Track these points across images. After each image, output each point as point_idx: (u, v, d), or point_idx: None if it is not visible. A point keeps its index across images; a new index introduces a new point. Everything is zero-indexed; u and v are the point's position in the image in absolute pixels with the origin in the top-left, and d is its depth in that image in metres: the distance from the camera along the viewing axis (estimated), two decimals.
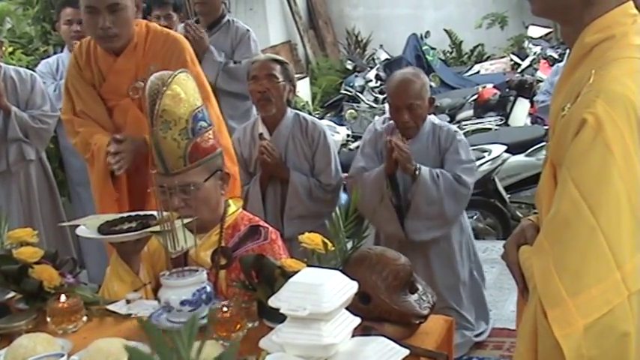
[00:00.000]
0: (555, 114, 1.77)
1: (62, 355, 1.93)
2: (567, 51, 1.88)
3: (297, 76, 4.25)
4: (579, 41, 1.73)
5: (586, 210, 1.59)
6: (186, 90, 2.39)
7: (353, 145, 7.98)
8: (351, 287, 1.82)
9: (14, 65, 5.03)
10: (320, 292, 1.72)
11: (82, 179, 5.22)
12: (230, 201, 2.62)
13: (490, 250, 5.58)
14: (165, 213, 2.24)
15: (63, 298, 2.21)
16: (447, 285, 3.93)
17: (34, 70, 4.96)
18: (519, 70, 9.53)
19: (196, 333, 0.95)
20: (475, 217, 5.90)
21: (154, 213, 2.45)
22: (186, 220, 2.27)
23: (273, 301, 1.78)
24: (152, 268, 2.52)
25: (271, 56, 4.02)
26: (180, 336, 0.93)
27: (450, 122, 7.97)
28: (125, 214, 2.50)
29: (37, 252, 2.39)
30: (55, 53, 5.63)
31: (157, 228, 2.30)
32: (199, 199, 2.42)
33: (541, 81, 8.08)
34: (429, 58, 10.31)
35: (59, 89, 5.06)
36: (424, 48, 10.40)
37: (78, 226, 2.44)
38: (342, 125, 8.09)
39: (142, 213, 2.52)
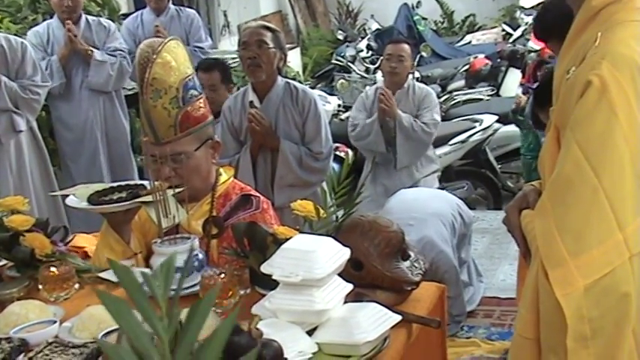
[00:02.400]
0: (560, 78, 1.77)
1: (54, 322, 1.94)
2: None
3: (287, 46, 4.21)
4: (586, 4, 1.73)
5: (589, 171, 1.59)
6: (176, 58, 2.37)
7: (344, 115, 7.95)
8: (344, 254, 1.82)
9: (3, 33, 4.97)
10: (312, 259, 1.73)
11: (73, 152, 5.23)
12: (221, 170, 2.61)
13: (481, 220, 5.59)
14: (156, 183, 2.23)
15: (54, 266, 2.21)
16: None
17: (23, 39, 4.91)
18: (511, 40, 9.48)
19: (173, 274, 0.94)
20: (466, 187, 5.91)
21: (144, 182, 2.45)
22: (177, 190, 2.26)
23: (265, 268, 1.79)
24: (143, 237, 2.51)
25: (263, 23, 3.98)
26: (155, 277, 0.91)
27: (441, 92, 8.02)
28: (115, 184, 2.49)
29: (28, 220, 2.38)
30: (44, 21, 5.57)
31: (148, 198, 2.29)
32: (190, 168, 2.41)
33: (532, 51, 8.05)
34: (421, 28, 10.26)
35: (51, 66, 5.02)
36: (415, 18, 10.34)
37: (68, 195, 2.43)
38: (333, 95, 8.05)
39: (131, 182, 2.51)
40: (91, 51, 5.12)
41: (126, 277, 0.90)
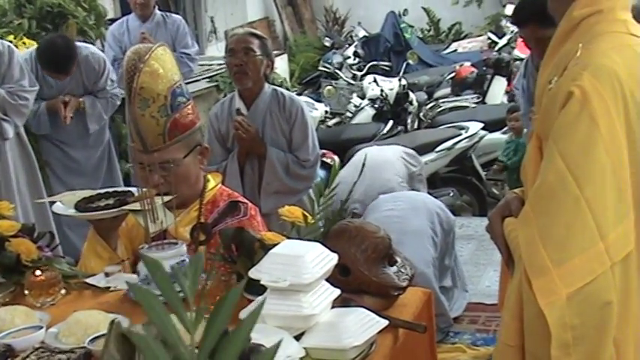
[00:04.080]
0: (542, 87, 1.79)
1: (41, 328, 1.93)
2: None
3: (274, 52, 4.22)
4: (567, 15, 1.75)
5: (571, 181, 1.61)
6: (164, 65, 2.35)
7: (331, 122, 7.98)
8: (331, 259, 1.83)
9: None
10: (300, 264, 1.74)
11: (56, 163, 5.18)
12: (209, 176, 2.61)
13: (466, 227, 5.62)
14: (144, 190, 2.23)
15: (40, 271, 2.20)
16: None
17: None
18: (496, 48, 9.55)
19: (201, 270, 0.96)
20: (451, 194, 5.94)
21: (132, 189, 2.44)
22: (166, 198, 2.26)
23: (253, 273, 1.79)
24: (130, 243, 2.51)
25: (249, 30, 3.98)
26: (184, 273, 0.93)
27: (427, 100, 8.07)
28: (102, 191, 2.48)
29: (13, 225, 2.37)
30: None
31: (135, 206, 2.28)
32: (179, 175, 2.41)
33: (518, 59, 8.11)
34: (407, 35, 10.30)
35: (39, 118, 4.93)
36: (402, 26, 10.39)
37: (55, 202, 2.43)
38: (320, 102, 8.07)
39: (119, 189, 2.50)
40: (83, 104, 5.02)
41: (156, 271, 0.92)
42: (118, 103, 5.13)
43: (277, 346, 0.93)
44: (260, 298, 1.81)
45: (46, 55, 4.78)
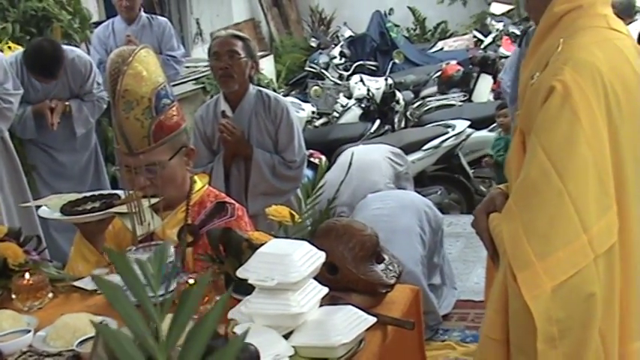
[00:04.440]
0: (524, 82, 1.80)
1: (28, 331, 1.93)
2: (530, 28, 1.93)
3: (261, 53, 4.22)
4: (548, 11, 1.77)
5: (554, 175, 1.63)
6: (147, 67, 2.35)
7: (318, 122, 7.98)
8: (319, 257, 1.83)
9: None
10: (288, 263, 1.74)
11: (42, 166, 5.17)
12: (196, 177, 2.61)
13: (454, 225, 5.64)
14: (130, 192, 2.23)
15: (28, 275, 2.19)
16: None
17: None
18: (482, 46, 9.58)
19: (165, 266, 0.96)
20: (439, 192, 5.95)
21: (118, 192, 2.44)
22: (152, 200, 2.25)
23: (241, 272, 1.80)
24: (117, 246, 2.50)
25: (232, 32, 3.98)
26: (147, 265, 0.93)
27: (414, 98, 8.08)
28: (88, 194, 2.48)
29: (0, 229, 2.36)
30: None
31: (122, 208, 2.28)
32: (165, 177, 2.40)
33: (503, 57, 8.14)
34: (393, 35, 10.32)
35: (25, 122, 4.91)
36: (388, 25, 10.41)
37: (41, 206, 2.42)
38: (306, 102, 8.08)
39: (105, 192, 2.50)
40: (70, 108, 5.01)
41: (121, 263, 0.92)
42: (105, 106, 5.11)
43: (246, 333, 0.93)
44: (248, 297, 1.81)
45: (34, 59, 4.76)
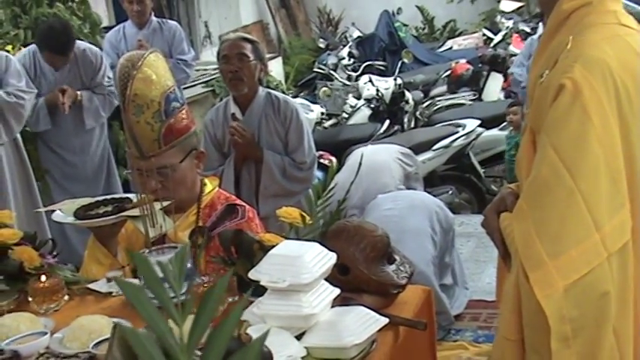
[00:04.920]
0: (534, 81, 1.80)
1: (45, 333, 1.95)
2: (539, 24, 1.93)
3: (269, 55, 4.24)
4: (557, 8, 1.76)
5: (565, 174, 1.62)
6: (157, 71, 2.37)
7: (327, 124, 7.99)
8: (330, 258, 1.85)
9: None
10: (299, 264, 1.75)
11: (56, 171, 5.20)
12: (206, 180, 2.63)
13: (466, 225, 5.63)
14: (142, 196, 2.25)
15: (44, 278, 2.22)
16: None
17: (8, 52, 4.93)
18: (492, 44, 9.55)
19: (186, 268, 0.98)
20: (450, 192, 5.95)
21: (130, 195, 2.46)
22: (164, 203, 2.27)
23: (253, 274, 1.81)
24: (130, 249, 2.52)
25: (241, 35, 3.99)
26: (169, 267, 0.95)
27: (423, 98, 8.07)
28: (101, 198, 2.50)
29: (16, 233, 2.39)
30: (25, 37, 5.56)
31: (134, 212, 2.30)
32: (176, 180, 2.42)
33: (513, 55, 8.12)
34: (402, 34, 10.29)
35: (38, 113, 4.96)
36: (396, 25, 10.38)
37: (54, 211, 2.45)
38: (315, 103, 8.07)
39: (117, 196, 2.52)
40: (81, 96, 5.06)
41: (143, 264, 0.93)
42: (116, 102, 5.15)
43: (265, 336, 0.94)
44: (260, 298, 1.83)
45: (45, 35, 4.90)
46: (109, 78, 5.21)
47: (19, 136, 4.79)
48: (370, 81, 7.85)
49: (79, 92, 5.05)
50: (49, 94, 5.01)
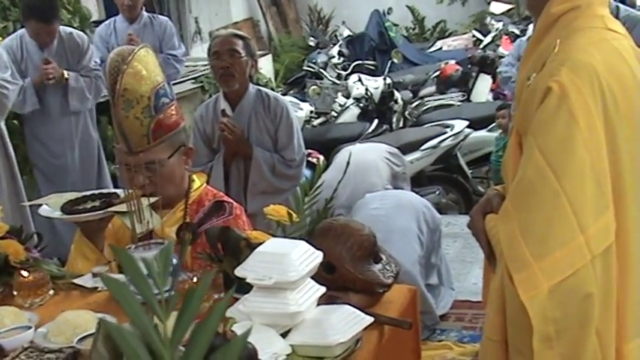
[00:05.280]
0: (521, 83, 1.81)
1: (30, 328, 1.94)
2: (529, 27, 1.94)
3: (259, 53, 4.23)
4: (545, 11, 1.77)
5: (551, 176, 1.63)
6: (147, 67, 2.37)
7: (316, 122, 7.99)
8: (317, 257, 1.85)
9: None
10: (286, 262, 1.76)
11: (44, 164, 5.19)
12: (194, 176, 2.63)
13: (452, 225, 5.64)
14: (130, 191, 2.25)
15: (28, 272, 2.21)
16: None
17: None
18: (481, 46, 9.57)
19: (171, 264, 0.98)
20: (437, 192, 5.96)
21: (117, 191, 2.46)
22: (151, 199, 2.27)
23: (239, 271, 1.81)
24: (117, 244, 2.52)
25: (232, 31, 3.99)
26: (153, 263, 0.95)
27: (412, 98, 8.09)
28: (88, 193, 2.49)
29: (1, 227, 2.38)
30: (14, 30, 5.54)
31: (122, 207, 2.30)
32: (164, 176, 2.42)
33: (502, 57, 8.14)
34: (392, 34, 10.31)
35: (24, 93, 4.94)
36: (386, 24, 10.40)
37: (41, 205, 2.44)
38: (305, 102, 8.07)
39: (104, 191, 2.51)
40: (66, 78, 5.05)
41: (127, 260, 0.93)
42: (103, 88, 5.13)
43: (248, 332, 0.95)
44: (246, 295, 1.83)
45: (28, 3, 4.93)
46: (95, 62, 5.23)
47: (4, 128, 4.76)
48: (359, 80, 7.86)
49: (65, 72, 5.06)
50: (36, 75, 5.03)
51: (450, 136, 6.10)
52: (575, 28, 1.73)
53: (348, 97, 7.91)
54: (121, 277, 2.24)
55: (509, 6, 10.68)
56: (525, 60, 1.85)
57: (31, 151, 5.19)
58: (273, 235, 2.09)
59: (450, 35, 11.72)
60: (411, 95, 8.14)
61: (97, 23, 6.34)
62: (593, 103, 1.65)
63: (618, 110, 1.69)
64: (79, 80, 5.13)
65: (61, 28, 5.17)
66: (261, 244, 1.91)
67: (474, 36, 10.36)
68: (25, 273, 2.21)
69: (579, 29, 1.72)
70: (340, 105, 7.87)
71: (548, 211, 1.64)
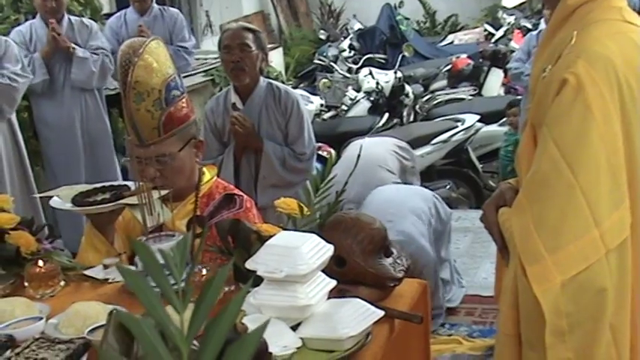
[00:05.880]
0: (536, 76, 1.79)
1: (41, 318, 1.95)
2: (541, 21, 1.92)
3: (270, 46, 4.23)
4: (562, 3, 1.75)
5: (565, 168, 1.62)
6: (158, 59, 2.36)
7: (327, 115, 7.98)
8: (327, 250, 1.85)
9: None
10: (296, 255, 1.75)
11: (54, 152, 5.22)
12: (205, 169, 2.63)
13: (463, 219, 5.64)
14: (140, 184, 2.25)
15: (40, 263, 2.22)
16: None
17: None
18: (493, 40, 9.54)
19: (187, 255, 0.98)
20: (448, 186, 5.95)
21: (128, 183, 2.46)
22: (162, 193, 2.27)
23: (250, 264, 1.81)
24: (127, 236, 2.53)
25: (243, 24, 3.98)
26: (170, 255, 0.95)
27: (423, 92, 8.07)
28: (99, 185, 2.50)
29: (13, 218, 2.38)
30: (26, 21, 5.56)
31: (132, 200, 2.30)
32: (174, 168, 2.42)
33: (514, 51, 8.11)
34: (403, 28, 10.29)
35: (33, 63, 5.02)
36: (398, 18, 10.37)
37: (52, 197, 2.44)
38: (315, 95, 8.06)
39: (115, 183, 2.51)
40: (74, 48, 5.12)
41: (144, 252, 0.93)
42: (112, 67, 5.23)
43: (264, 326, 0.95)
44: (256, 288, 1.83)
45: None
46: (104, 45, 5.35)
47: (14, 120, 4.78)
48: (370, 74, 7.84)
49: (72, 45, 5.16)
50: (43, 47, 5.13)
51: (460, 131, 6.09)
52: (591, 20, 1.71)
53: (358, 91, 7.90)
54: (132, 268, 2.25)
55: (522, 0, 10.63)
56: (540, 52, 1.84)
57: (41, 138, 5.24)
58: (284, 228, 2.09)
59: (461, 29, 11.69)
60: (421, 89, 8.12)
61: (108, 16, 6.36)
62: (609, 96, 1.63)
63: (634, 103, 1.68)
64: (86, 52, 5.21)
65: (72, 17, 5.30)
66: (271, 237, 1.91)
67: (485, 30, 10.33)
68: (41, 263, 2.22)
69: (596, 21, 1.71)
70: (351, 99, 7.85)
71: (562, 204, 1.62)
